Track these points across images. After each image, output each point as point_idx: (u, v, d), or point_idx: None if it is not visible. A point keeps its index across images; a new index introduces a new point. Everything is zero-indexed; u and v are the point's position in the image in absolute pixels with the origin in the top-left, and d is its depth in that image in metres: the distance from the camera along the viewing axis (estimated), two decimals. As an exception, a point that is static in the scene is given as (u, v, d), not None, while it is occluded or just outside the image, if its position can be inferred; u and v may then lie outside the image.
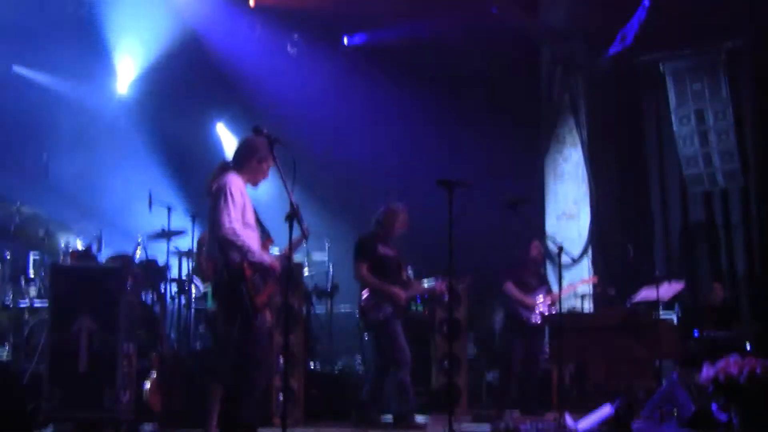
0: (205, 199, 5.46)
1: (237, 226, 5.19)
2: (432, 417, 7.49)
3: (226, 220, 5.17)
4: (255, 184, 5.51)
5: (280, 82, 10.90)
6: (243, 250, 5.18)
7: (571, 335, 8.01)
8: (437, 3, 10.48)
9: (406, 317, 7.96)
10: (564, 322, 7.87)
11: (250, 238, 5.28)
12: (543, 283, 8.40)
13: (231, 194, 5.22)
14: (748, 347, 8.68)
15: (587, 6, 10.80)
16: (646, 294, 8.60)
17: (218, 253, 5.24)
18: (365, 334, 7.07)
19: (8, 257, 7.83)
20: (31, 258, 7.93)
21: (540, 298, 8.22)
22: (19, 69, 9.99)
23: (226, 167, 5.43)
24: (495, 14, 10.25)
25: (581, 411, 6.98)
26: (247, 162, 5.44)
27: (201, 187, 5.53)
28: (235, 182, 5.30)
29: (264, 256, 5.33)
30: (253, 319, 5.20)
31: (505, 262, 8.53)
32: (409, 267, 7.71)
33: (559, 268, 7.41)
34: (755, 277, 10.13)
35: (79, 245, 7.84)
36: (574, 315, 8.85)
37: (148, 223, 8.50)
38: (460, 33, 10.62)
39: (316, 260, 9.72)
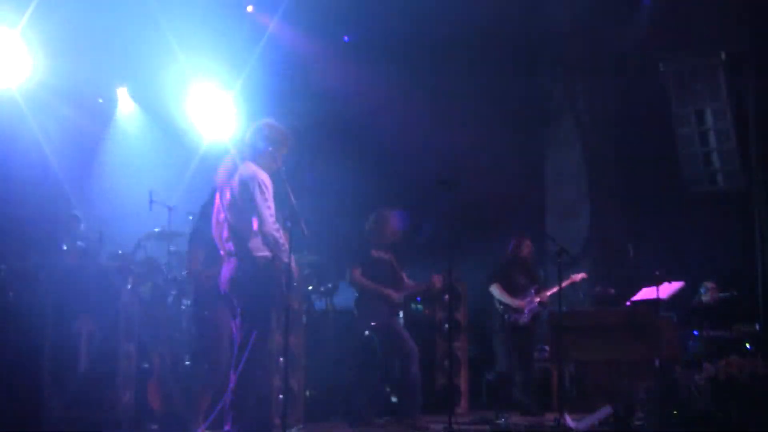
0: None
1: (278, 224, 4.93)
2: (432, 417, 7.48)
3: (269, 216, 4.88)
4: (271, 172, 5.10)
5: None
6: (281, 250, 4.91)
7: (571, 335, 8.02)
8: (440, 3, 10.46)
9: (406, 317, 7.99)
10: (564, 322, 7.88)
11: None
12: (534, 282, 8.32)
13: (267, 187, 4.92)
14: (748, 347, 8.69)
15: (587, 6, 10.80)
16: (646, 294, 8.60)
17: (242, 248, 4.92)
18: (365, 332, 7.01)
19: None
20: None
21: (528, 298, 8.14)
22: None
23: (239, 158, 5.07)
24: (496, 14, 10.23)
25: (581, 411, 6.98)
26: (262, 150, 5.07)
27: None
28: (263, 174, 4.97)
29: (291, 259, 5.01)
30: (274, 322, 5.07)
31: (494, 262, 8.48)
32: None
33: (559, 269, 7.40)
34: (755, 277, 10.12)
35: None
36: (574, 314, 8.84)
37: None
38: (462, 33, 10.61)
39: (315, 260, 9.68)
